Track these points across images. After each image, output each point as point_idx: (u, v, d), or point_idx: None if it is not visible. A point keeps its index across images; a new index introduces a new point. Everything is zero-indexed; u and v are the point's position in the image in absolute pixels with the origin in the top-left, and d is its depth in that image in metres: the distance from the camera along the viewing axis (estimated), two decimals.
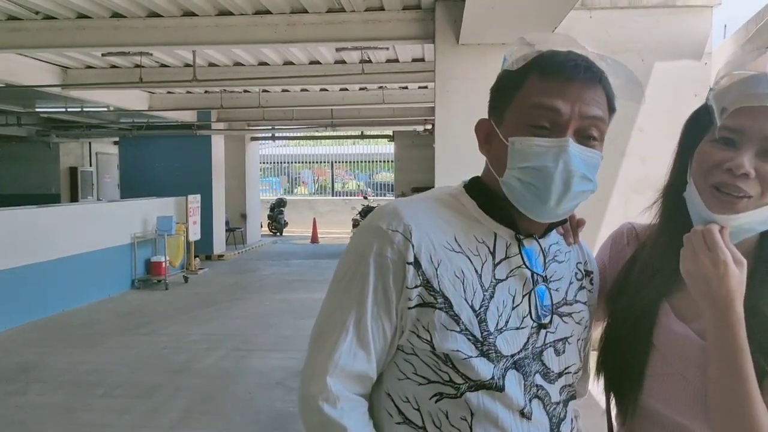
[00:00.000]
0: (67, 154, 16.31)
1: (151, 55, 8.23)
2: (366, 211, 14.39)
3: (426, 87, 10.66)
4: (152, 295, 9.86)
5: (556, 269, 1.23)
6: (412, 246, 1.12)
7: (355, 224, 14.28)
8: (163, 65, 9.05)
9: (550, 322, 1.18)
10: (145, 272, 10.64)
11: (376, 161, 26.21)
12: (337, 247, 15.99)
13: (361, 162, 26.70)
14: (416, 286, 1.11)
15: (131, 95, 11.06)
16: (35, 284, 8.01)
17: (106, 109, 10.80)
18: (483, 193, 1.21)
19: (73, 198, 16.11)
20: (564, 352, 1.19)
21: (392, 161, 18.46)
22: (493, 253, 1.17)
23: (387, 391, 1.17)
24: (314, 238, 17.58)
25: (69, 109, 11.10)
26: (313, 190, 27.17)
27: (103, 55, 8.05)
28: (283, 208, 19.38)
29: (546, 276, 1.20)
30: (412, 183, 15.22)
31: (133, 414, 4.82)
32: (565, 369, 1.19)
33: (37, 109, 11.37)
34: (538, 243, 1.20)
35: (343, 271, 1.19)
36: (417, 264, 1.12)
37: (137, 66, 8.79)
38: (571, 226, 1.28)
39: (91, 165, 17.22)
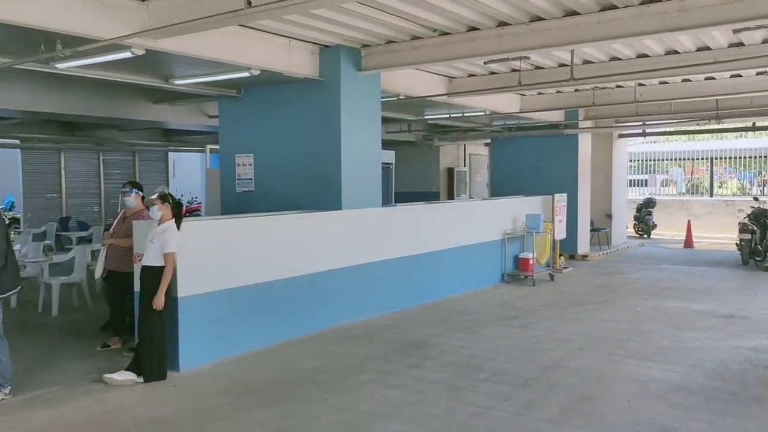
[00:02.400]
0: (445, 156, 18.11)
1: (528, 58, 8.52)
2: (759, 215, 12.42)
3: None
4: (520, 289, 10.25)
5: None
6: None
7: (743, 228, 12.44)
8: (537, 67, 9.30)
9: None
10: (514, 267, 11.12)
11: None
12: (717, 254, 14.22)
13: (747, 158, 23.18)
14: None
15: (505, 99, 11.68)
16: (423, 272, 9.08)
17: (482, 113, 11.61)
18: None
19: (449, 196, 17.81)
20: None
21: None
22: None
23: None
24: (688, 243, 15.97)
25: (451, 115, 12.28)
26: (683, 190, 24.69)
27: (485, 63, 8.64)
28: (651, 209, 18.10)
29: None
30: None
31: (514, 401, 5.06)
32: None
33: (426, 116, 12.87)
34: None
35: None
36: None
37: (514, 70, 9.22)
38: None
39: (465, 165, 18.79)
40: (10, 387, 5.15)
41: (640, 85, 10.76)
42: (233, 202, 8.98)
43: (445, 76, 9.95)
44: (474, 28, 6.96)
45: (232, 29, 6.50)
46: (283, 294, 6.99)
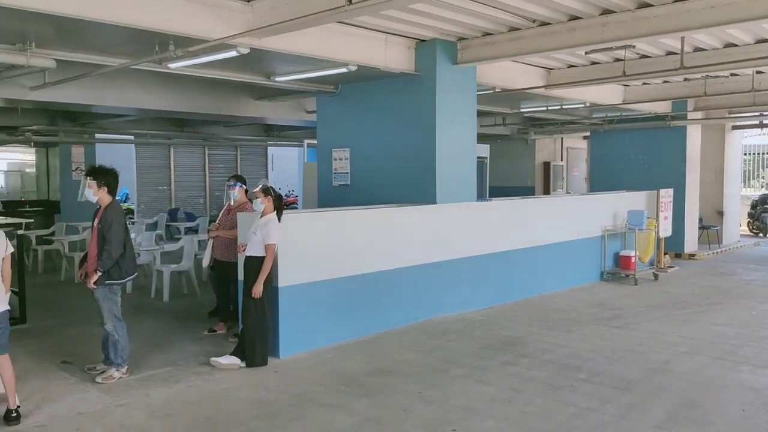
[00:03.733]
0: (541, 150, 17.68)
1: (634, 47, 8.14)
2: None
3: None
4: (621, 288, 9.84)
5: None
6: None
7: None
8: (643, 56, 8.87)
9: None
10: (614, 265, 10.69)
11: None
12: None
13: None
14: None
15: (607, 90, 11.22)
16: (519, 268, 8.92)
17: (582, 105, 11.22)
18: None
19: (546, 191, 17.37)
20: None
21: None
22: None
23: None
24: None
25: (549, 108, 11.95)
26: None
27: (586, 53, 8.34)
28: None
29: None
30: None
31: (615, 404, 4.88)
32: None
33: (522, 110, 12.60)
34: None
35: None
36: None
37: (618, 60, 8.84)
38: None
39: (561, 159, 18.25)
40: (127, 366, 5.55)
41: (759, 72, 10.00)
42: (330, 196, 9.20)
43: (542, 67, 9.70)
44: (576, 17, 6.73)
45: (331, 26, 6.64)
46: (378, 286, 7.09)
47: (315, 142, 9.93)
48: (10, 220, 7.82)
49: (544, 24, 6.99)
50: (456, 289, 8.01)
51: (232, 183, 7.12)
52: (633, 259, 10.35)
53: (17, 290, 7.10)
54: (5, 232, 4.67)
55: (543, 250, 9.34)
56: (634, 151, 13.69)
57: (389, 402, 4.96)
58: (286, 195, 18.80)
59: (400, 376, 5.60)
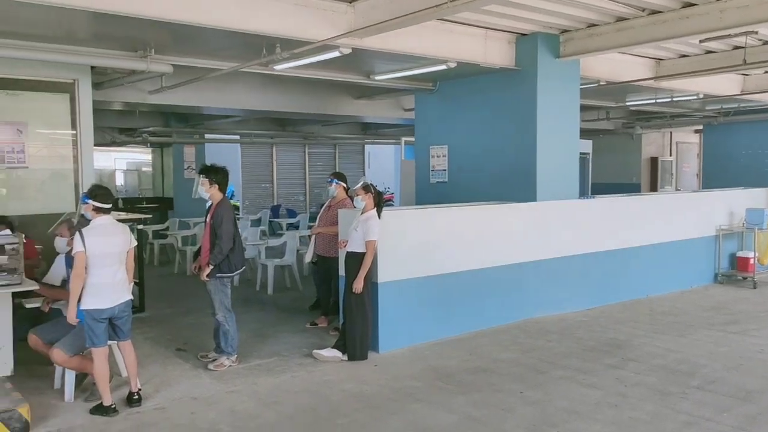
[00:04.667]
0: (648, 145, 16.82)
1: (756, 33, 7.56)
2: None
3: None
4: (737, 292, 9.22)
5: None
6: None
7: None
8: (766, 43, 8.23)
9: None
10: (730, 267, 10.02)
11: None
12: None
13: None
14: None
15: (722, 80, 10.50)
16: (623, 268, 8.56)
17: (695, 97, 10.57)
18: None
19: (653, 187, 16.53)
20: None
21: None
22: None
23: None
24: None
25: (658, 100, 11.35)
26: None
27: (701, 41, 7.86)
28: None
29: None
30: None
31: (734, 414, 4.59)
32: None
33: (627, 103, 12.05)
34: None
35: None
36: None
37: (737, 48, 8.27)
38: None
39: (671, 154, 17.29)
40: (236, 355, 5.84)
41: None
42: (427, 193, 9.22)
43: (651, 58, 9.22)
44: (690, 4, 6.36)
45: (430, 24, 6.64)
46: (477, 284, 7.03)
47: (412, 139, 9.99)
48: (131, 216, 8.41)
49: (654, 12, 6.65)
50: (556, 289, 7.80)
51: (331, 180, 7.30)
52: (751, 261, 9.66)
53: (138, 281, 7.63)
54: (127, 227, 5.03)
55: (650, 250, 8.90)
56: (753, 144, 12.76)
57: (489, 400, 4.92)
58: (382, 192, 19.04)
59: (500, 375, 5.53)
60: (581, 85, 8.21)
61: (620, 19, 6.95)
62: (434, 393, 5.10)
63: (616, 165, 16.58)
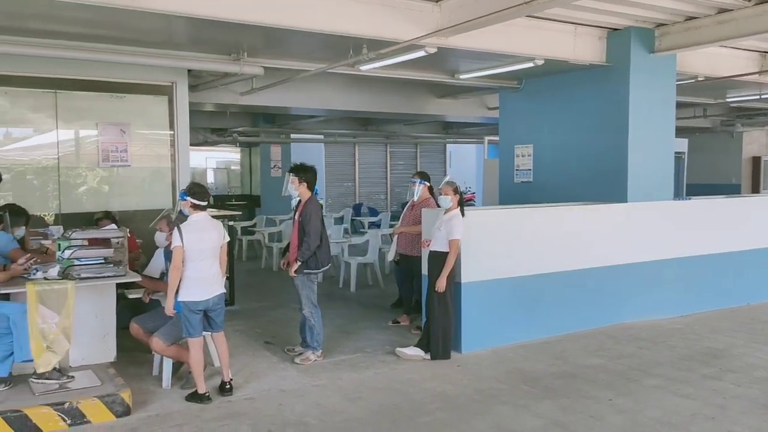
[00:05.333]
0: (750, 143, 15.81)
1: None
2: None
3: None
4: None
5: None
6: None
7: None
8: None
9: None
10: None
11: None
12: None
13: None
14: None
15: None
16: (721, 273, 8.10)
17: None
18: None
19: (754, 189, 15.52)
20: None
21: None
22: None
23: None
24: None
25: (763, 96, 10.63)
26: None
27: None
28: None
29: None
30: None
31: None
32: None
33: (728, 99, 11.37)
34: None
35: None
36: None
37: None
38: None
39: None
40: (321, 350, 5.97)
41: None
42: (511, 193, 9.07)
43: (756, 51, 8.66)
44: None
45: (517, 20, 6.51)
46: (563, 287, 6.86)
47: (496, 138, 9.86)
48: (222, 213, 8.77)
49: (761, 2, 6.25)
50: (648, 294, 7.49)
51: (416, 180, 7.29)
52: None
53: (229, 276, 7.95)
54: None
55: (751, 255, 8.37)
56: None
57: (577, 407, 4.79)
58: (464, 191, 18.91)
59: (587, 381, 5.38)
60: (677, 81, 7.84)
61: (722, 10, 6.58)
62: (519, 396, 5.02)
63: (714, 165, 15.68)
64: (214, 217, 5.43)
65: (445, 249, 5.86)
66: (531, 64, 7.24)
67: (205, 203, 4.91)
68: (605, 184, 7.57)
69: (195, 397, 4.88)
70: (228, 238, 5.19)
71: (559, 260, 6.84)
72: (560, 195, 7.97)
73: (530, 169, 8.79)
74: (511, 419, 4.57)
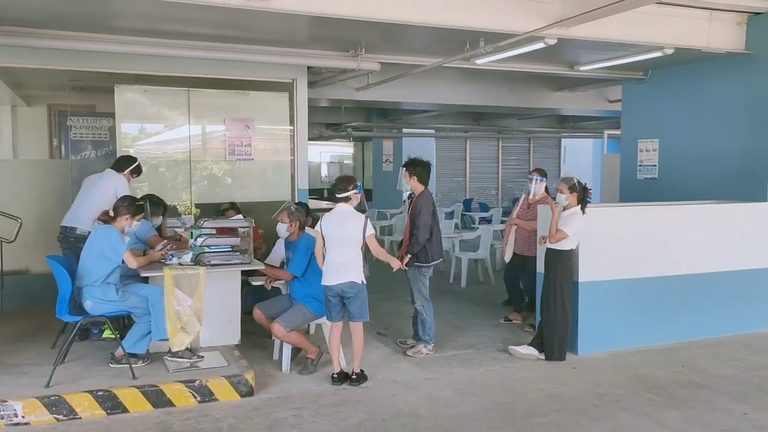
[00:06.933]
0: None
1: None
2: None
3: None
4: None
5: None
6: None
7: None
8: None
9: None
10: None
11: None
12: None
13: None
14: None
15: None
16: None
17: None
18: None
19: None
20: None
21: None
22: None
23: None
24: None
25: None
26: None
27: None
28: None
29: None
30: None
31: None
32: None
33: None
34: None
35: None
36: None
37: None
38: None
39: None
40: (433, 344, 5.99)
41: None
42: (633, 190, 8.63)
43: None
44: None
45: (645, 8, 6.18)
46: (690, 290, 6.43)
47: (617, 132, 9.43)
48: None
49: None
50: None
51: (535, 177, 7.06)
52: None
53: None
54: None
55: None
56: None
57: (707, 419, 4.49)
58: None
59: (718, 392, 5.02)
60: None
61: None
62: (642, 403, 4.77)
63: None
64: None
65: (560, 247, 5.67)
66: (659, 54, 6.85)
67: (341, 195, 5.11)
68: (741, 181, 7.04)
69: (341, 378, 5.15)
70: (372, 230, 5.21)
71: (686, 262, 6.42)
72: (688, 192, 7.50)
73: (655, 165, 8.32)
74: (633, 427, 4.35)
